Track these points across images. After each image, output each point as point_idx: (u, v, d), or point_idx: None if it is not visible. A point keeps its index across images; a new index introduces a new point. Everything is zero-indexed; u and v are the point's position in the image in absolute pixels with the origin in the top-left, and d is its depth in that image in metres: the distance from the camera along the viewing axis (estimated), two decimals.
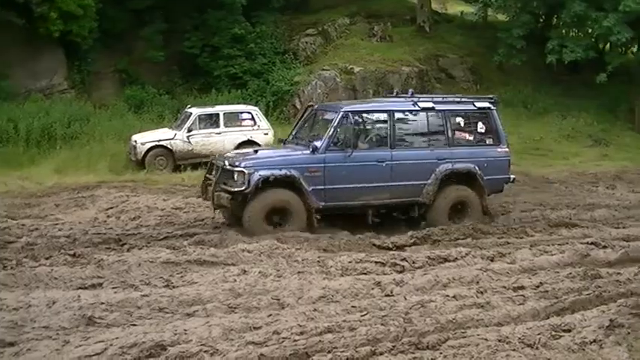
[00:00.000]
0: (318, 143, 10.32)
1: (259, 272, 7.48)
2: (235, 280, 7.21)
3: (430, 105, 11.20)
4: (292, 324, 5.75)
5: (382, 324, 5.79)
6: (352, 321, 5.88)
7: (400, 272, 7.77)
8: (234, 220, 10.34)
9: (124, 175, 15.58)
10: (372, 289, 6.98)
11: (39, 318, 5.84)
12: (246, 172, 9.88)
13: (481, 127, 11.35)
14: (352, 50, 25.96)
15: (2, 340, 5.30)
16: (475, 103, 11.55)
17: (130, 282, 7.14)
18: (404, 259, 8.24)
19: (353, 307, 6.37)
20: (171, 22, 24.55)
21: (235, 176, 9.97)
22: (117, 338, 5.41)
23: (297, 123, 11.79)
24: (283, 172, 10.09)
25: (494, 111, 11.46)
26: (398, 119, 10.95)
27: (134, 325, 5.84)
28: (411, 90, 12.12)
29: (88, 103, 21.60)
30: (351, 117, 10.63)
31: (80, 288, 6.92)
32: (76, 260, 8.04)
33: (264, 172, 9.97)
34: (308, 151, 10.36)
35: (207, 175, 10.73)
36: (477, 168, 10.99)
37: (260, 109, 19.09)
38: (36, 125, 18.38)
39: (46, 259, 8.11)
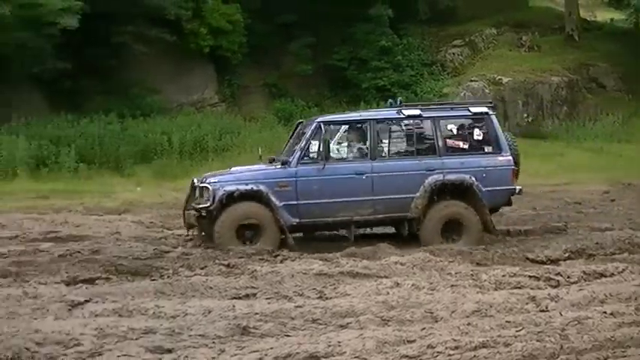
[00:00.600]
0: (291, 157, 9.98)
1: (412, 285, 7.32)
2: (388, 293, 7.07)
3: (416, 112, 10.50)
4: (446, 338, 5.51)
5: (538, 340, 5.45)
6: (507, 336, 5.59)
7: (555, 287, 7.42)
8: (206, 238, 9.97)
9: None
10: (527, 303, 6.64)
11: (195, 326, 5.88)
12: (210, 188, 9.62)
13: (478, 134, 10.42)
14: (500, 61, 25.63)
15: (161, 347, 5.37)
16: (470, 109, 10.77)
17: (284, 293, 7.13)
18: (558, 274, 7.86)
19: (507, 322, 6.07)
20: (318, 36, 24.85)
21: (203, 193, 9.72)
22: (271, 348, 5.35)
23: (289, 139, 11.23)
24: (250, 187, 9.71)
25: (493, 116, 10.52)
26: (379, 129, 10.33)
27: (288, 335, 5.77)
28: (399, 99, 11.53)
29: (238, 116, 22.29)
30: (323, 128, 10.02)
31: (234, 298, 6.96)
32: (230, 270, 8.16)
33: (229, 188, 9.62)
34: (279, 166, 10.06)
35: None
36: (473, 178, 10.02)
37: None
38: (188, 138, 19.11)
39: (201, 268, 8.26)
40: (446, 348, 5.30)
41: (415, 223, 9.98)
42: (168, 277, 7.88)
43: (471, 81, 24.35)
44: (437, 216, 9.95)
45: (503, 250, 9.55)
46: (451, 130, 10.41)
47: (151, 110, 21.26)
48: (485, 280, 7.57)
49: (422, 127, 10.45)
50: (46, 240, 10.78)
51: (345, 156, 10.53)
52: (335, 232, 10.78)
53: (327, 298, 6.95)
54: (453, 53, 26.62)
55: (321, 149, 9.90)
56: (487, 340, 5.46)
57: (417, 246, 9.69)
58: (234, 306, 6.48)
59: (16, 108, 19.92)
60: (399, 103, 10.94)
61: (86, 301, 6.67)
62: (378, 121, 10.44)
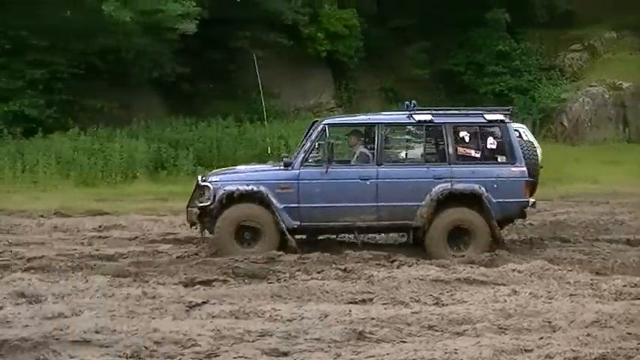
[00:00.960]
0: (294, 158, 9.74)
1: (530, 293, 7.19)
2: (505, 301, 6.94)
3: (428, 117, 9.94)
4: (565, 348, 5.38)
5: None
6: (628, 349, 5.41)
7: None
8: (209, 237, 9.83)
9: None
10: None
11: (311, 330, 5.88)
12: (211, 187, 9.51)
13: (492, 143, 9.83)
14: (620, 65, 24.77)
15: (276, 350, 5.39)
16: (485, 116, 10.06)
17: (400, 299, 7.05)
18: None
19: (628, 333, 5.87)
20: (434, 40, 24.66)
21: (204, 191, 9.57)
22: (387, 354, 5.32)
23: (302, 139, 10.61)
24: (250, 187, 9.49)
25: (509, 124, 9.96)
26: (387, 134, 9.98)
27: (404, 342, 5.70)
28: (413, 102, 10.52)
29: None
30: (329, 130, 9.75)
31: (351, 302, 6.92)
32: (346, 275, 8.08)
33: (229, 188, 9.46)
34: (282, 167, 9.82)
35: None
36: (482, 189, 9.53)
37: (527, 127, 18.40)
38: None
39: (318, 272, 8.21)
40: (564, 358, 5.19)
41: (420, 231, 9.69)
42: (284, 280, 7.88)
43: (590, 86, 23.92)
44: (442, 224, 9.56)
45: (623, 259, 9.28)
46: (463, 138, 9.89)
47: (268, 114, 21.56)
48: (605, 290, 7.39)
49: (432, 134, 10.08)
50: (164, 242, 11.08)
51: (350, 160, 10.24)
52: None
53: (443, 305, 6.89)
54: (572, 58, 26.20)
55: (324, 152, 9.65)
56: (607, 352, 5.30)
57: (535, 253, 9.57)
58: (350, 311, 6.45)
59: (136, 111, 20.66)
60: (412, 106, 10.29)
61: (203, 303, 6.77)
62: (387, 125, 10.11)
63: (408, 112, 10.11)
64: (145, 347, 5.36)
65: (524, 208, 9.90)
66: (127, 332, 5.77)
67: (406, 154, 10.17)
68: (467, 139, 9.88)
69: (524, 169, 9.77)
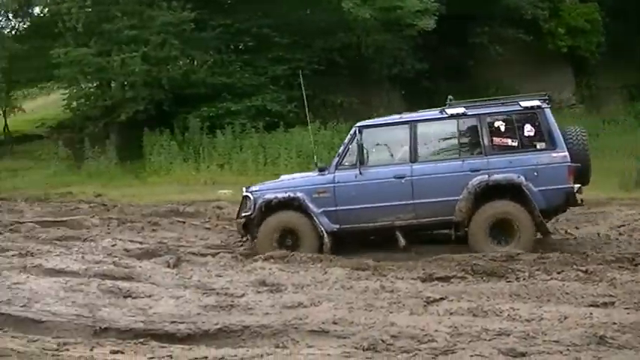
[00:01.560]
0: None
1: None
2: None
3: (461, 111, 9.81)
4: None
5: None
6: None
7: None
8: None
9: (635, 192, 14.72)
10: None
11: (550, 331, 5.69)
12: (251, 197, 9.87)
13: (529, 130, 9.48)
14: None
15: (514, 350, 5.25)
16: (521, 103, 9.70)
17: None
18: None
19: None
20: None
21: (246, 202, 9.87)
22: None
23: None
24: (287, 194, 9.74)
25: (547, 110, 9.52)
26: (421, 131, 9.78)
27: None
28: (450, 97, 9.96)
29: (597, 118, 21.09)
30: (363, 133, 9.78)
31: (592, 305, 6.58)
32: (588, 277, 7.69)
33: (268, 196, 9.78)
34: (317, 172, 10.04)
35: None
36: (522, 178, 9.18)
37: None
38: None
39: (558, 273, 7.89)
40: None
41: (461, 226, 9.42)
42: (524, 279, 7.66)
43: None
44: (482, 217, 9.29)
45: None
46: (498, 128, 9.59)
47: None
48: None
49: (466, 126, 9.85)
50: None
51: (385, 160, 9.99)
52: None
53: None
54: None
55: (358, 154, 9.65)
56: None
57: None
58: (591, 314, 6.15)
59: (375, 107, 20.95)
60: (448, 101, 10.07)
61: (441, 299, 6.75)
62: (419, 122, 9.94)
63: (442, 108, 10.05)
64: (382, 340, 5.42)
65: (570, 196, 9.31)
66: (364, 325, 5.90)
67: (441, 150, 10.01)
68: (502, 128, 9.60)
69: (566, 154, 9.32)
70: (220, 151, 19.55)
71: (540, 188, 9.22)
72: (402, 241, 9.52)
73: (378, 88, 22.47)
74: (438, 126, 10.07)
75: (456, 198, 9.38)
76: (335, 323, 5.93)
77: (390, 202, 9.61)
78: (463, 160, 9.64)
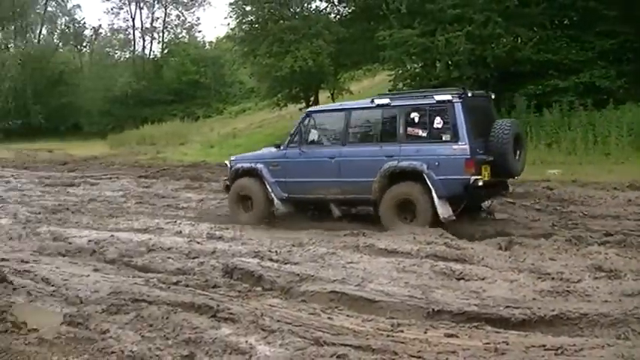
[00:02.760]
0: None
1: None
2: None
3: (386, 101, 11.03)
4: None
5: None
6: None
7: None
8: None
9: None
10: None
11: None
12: (229, 165, 12.53)
13: (438, 123, 10.32)
14: None
15: None
16: (435, 96, 10.51)
17: None
18: None
19: None
20: None
21: (227, 168, 12.68)
22: None
23: None
24: (251, 165, 12.06)
25: (458, 104, 10.11)
26: (354, 117, 11.22)
27: None
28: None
29: None
30: (311, 117, 11.75)
31: None
32: None
33: (237, 165, 12.29)
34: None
35: None
36: (424, 166, 10.16)
37: None
38: None
39: None
40: None
41: (376, 204, 10.64)
42: None
43: None
44: (389, 197, 10.44)
45: None
46: (413, 119, 10.56)
47: None
48: None
49: (388, 116, 10.90)
50: None
51: (324, 142, 11.61)
52: None
53: None
54: None
55: (302, 135, 11.55)
56: None
57: None
58: None
59: None
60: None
61: None
62: (353, 110, 11.43)
63: (372, 97, 11.51)
64: None
65: (468, 186, 9.89)
66: None
67: (366, 135, 11.31)
68: (416, 119, 10.52)
69: (466, 147, 9.95)
70: (548, 130, 19.00)
71: (440, 177, 10.06)
72: (336, 212, 11.20)
73: None
74: (367, 114, 11.35)
75: (373, 179, 10.58)
76: None
77: (323, 178, 11.27)
78: (381, 147, 10.81)
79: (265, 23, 27.41)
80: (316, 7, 29.74)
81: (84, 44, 58.97)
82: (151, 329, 5.74)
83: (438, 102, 10.46)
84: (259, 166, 11.95)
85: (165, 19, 53.86)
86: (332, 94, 28.16)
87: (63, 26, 54.62)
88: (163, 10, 53.73)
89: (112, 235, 10.44)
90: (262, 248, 9.08)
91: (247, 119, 38.26)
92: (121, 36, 55.12)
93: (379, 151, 10.80)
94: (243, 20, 28.96)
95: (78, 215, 13.10)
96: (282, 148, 11.90)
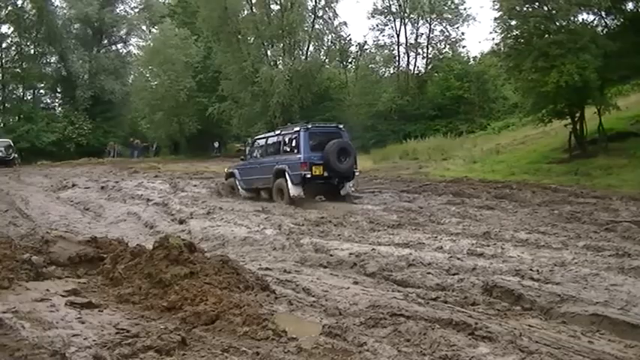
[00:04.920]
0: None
1: None
2: None
3: (279, 131, 21.38)
4: None
5: None
6: None
7: None
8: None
9: None
10: None
11: None
12: (225, 170, 24.05)
13: (294, 144, 19.78)
14: None
15: None
16: (294, 128, 20.21)
17: None
18: None
19: None
20: None
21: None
22: None
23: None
24: (231, 170, 22.94)
25: (302, 132, 19.39)
26: (268, 141, 21.66)
27: None
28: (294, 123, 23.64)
29: None
30: (254, 141, 23.35)
31: None
32: None
33: (226, 170, 23.83)
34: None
35: None
36: (287, 167, 19.37)
37: None
38: None
39: None
40: None
41: (271, 190, 20.21)
42: None
43: None
44: (275, 186, 19.82)
45: None
46: (286, 141, 20.25)
47: None
48: None
49: (280, 139, 20.66)
50: None
51: (258, 156, 21.95)
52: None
53: None
54: None
55: (248, 151, 23.16)
56: None
57: None
58: None
59: None
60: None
61: None
62: (268, 137, 22.02)
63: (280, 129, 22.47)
64: None
65: (305, 178, 19.05)
66: None
67: (271, 152, 21.04)
68: (287, 141, 20.08)
69: (301, 157, 19.18)
70: None
71: (294, 173, 19.07)
72: (263, 195, 20.54)
73: None
74: (273, 139, 21.25)
75: (270, 176, 19.87)
76: None
77: (255, 176, 20.99)
78: (274, 157, 20.35)
79: (530, 37, 26.78)
80: (583, 20, 28.53)
81: (349, 60, 61.34)
82: (408, 344, 5.78)
83: (294, 132, 19.86)
84: (235, 171, 22.58)
85: (429, 35, 54.57)
86: (598, 110, 26.77)
87: (329, 43, 56.82)
88: (427, 25, 54.46)
89: (374, 249, 10.68)
90: (523, 267, 8.93)
91: (510, 135, 37.60)
92: (386, 52, 56.54)
93: (273, 160, 20.40)
94: (508, 35, 28.55)
95: (340, 228, 13.59)
96: (244, 160, 23.02)
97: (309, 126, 19.56)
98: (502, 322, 6.61)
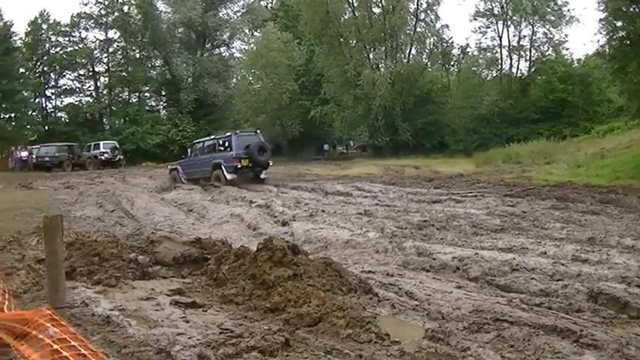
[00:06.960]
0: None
1: None
2: None
3: (214, 135, 31.83)
4: None
5: None
6: None
7: None
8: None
9: None
10: None
11: None
12: (169, 166, 33.68)
13: (227, 145, 28.92)
14: None
15: None
16: (227, 134, 29.93)
17: None
18: None
19: None
20: None
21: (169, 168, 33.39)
22: None
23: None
24: (174, 166, 32.08)
25: (233, 136, 29.07)
26: (206, 143, 31.11)
27: None
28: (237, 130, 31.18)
29: None
30: (194, 144, 32.78)
31: None
32: None
33: (170, 166, 33.57)
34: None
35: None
36: (222, 161, 28.26)
37: None
38: None
39: None
40: None
41: (210, 179, 28.25)
42: None
43: None
44: (213, 174, 28.57)
45: None
46: (220, 143, 29.56)
47: None
48: None
49: (215, 142, 30.04)
50: None
51: (200, 154, 30.81)
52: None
53: None
54: None
55: (192, 150, 32.31)
56: None
57: None
58: None
59: None
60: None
61: None
62: (205, 141, 31.72)
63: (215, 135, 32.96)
64: None
65: (236, 168, 28.26)
66: None
67: (209, 150, 30.31)
68: (221, 143, 29.57)
69: (234, 153, 28.31)
70: None
71: (229, 164, 28.19)
72: (201, 183, 27.73)
73: None
74: (210, 142, 30.94)
75: (209, 168, 28.73)
76: None
77: (195, 169, 29.80)
78: (211, 155, 29.66)
79: (637, 39, 25.99)
80: None
81: (451, 63, 60.74)
82: (512, 350, 5.73)
83: (227, 136, 29.29)
84: (178, 167, 31.14)
85: (532, 37, 53.45)
86: None
87: (431, 46, 56.51)
88: (530, 27, 53.40)
89: (477, 254, 10.53)
90: (630, 274, 8.66)
91: (615, 139, 36.45)
92: (488, 54, 55.76)
93: (210, 157, 29.21)
94: (613, 36, 27.81)
95: (443, 232, 13.46)
96: (186, 158, 31.65)
97: (238, 132, 30.65)
98: (608, 330, 6.45)
